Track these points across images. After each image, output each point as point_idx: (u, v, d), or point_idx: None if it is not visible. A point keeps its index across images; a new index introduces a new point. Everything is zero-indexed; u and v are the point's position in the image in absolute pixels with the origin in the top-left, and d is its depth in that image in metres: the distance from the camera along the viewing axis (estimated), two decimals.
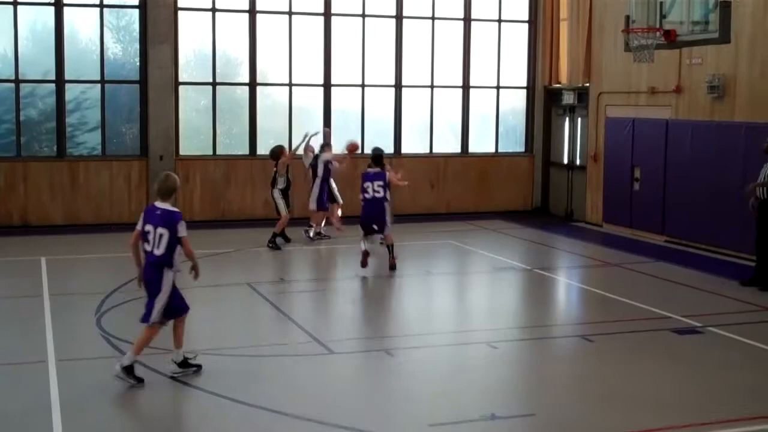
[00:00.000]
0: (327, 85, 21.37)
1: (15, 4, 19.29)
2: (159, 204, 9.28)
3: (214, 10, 20.46)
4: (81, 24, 20.02)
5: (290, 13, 20.95)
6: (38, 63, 19.79)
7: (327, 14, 21.22)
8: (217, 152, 20.76)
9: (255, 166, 20.67)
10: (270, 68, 21.28)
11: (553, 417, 8.40)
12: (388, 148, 21.83)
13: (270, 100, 21.37)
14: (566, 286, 14.92)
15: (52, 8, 19.51)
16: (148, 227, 9.12)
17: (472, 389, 9.27)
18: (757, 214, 13.76)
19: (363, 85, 21.63)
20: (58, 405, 8.41)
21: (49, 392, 8.79)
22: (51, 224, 19.27)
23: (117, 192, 19.92)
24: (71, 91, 19.95)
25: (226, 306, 12.80)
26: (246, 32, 20.73)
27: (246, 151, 20.97)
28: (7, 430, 8.01)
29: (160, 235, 9.05)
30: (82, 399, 8.67)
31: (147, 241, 9.11)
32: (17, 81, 19.47)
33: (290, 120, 21.16)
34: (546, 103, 22.92)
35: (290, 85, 21.13)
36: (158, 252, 9.04)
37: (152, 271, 9.11)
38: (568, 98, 21.98)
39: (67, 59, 19.71)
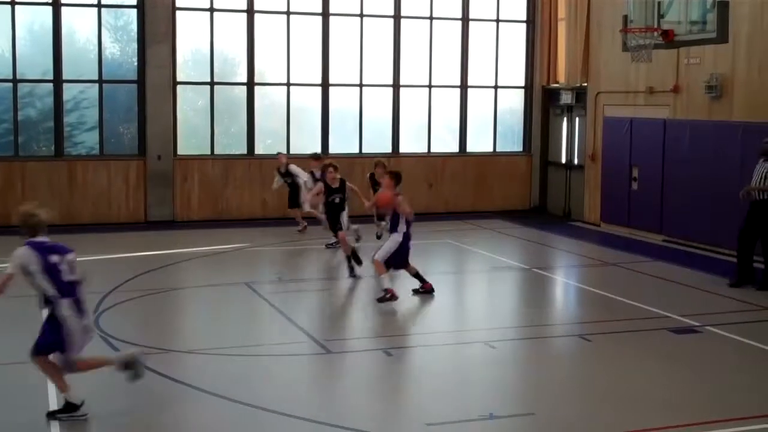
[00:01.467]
0: (325, 85, 21.38)
1: (13, 3, 19.27)
2: None
3: (212, 10, 20.45)
4: (79, 24, 20.01)
5: (288, 13, 20.95)
6: (36, 63, 19.80)
7: (325, 14, 21.22)
8: (215, 152, 20.77)
9: (253, 165, 20.70)
10: (268, 68, 21.27)
11: (551, 416, 8.40)
12: (386, 148, 21.92)
13: (268, 99, 21.37)
14: (564, 286, 14.92)
15: (50, 8, 19.50)
16: None
17: (471, 389, 9.28)
18: (748, 200, 13.73)
19: (361, 85, 21.63)
20: (55, 405, 8.40)
21: (47, 392, 8.78)
22: (49, 224, 19.21)
23: (115, 192, 19.92)
24: (69, 91, 19.95)
25: (225, 306, 12.81)
26: (244, 32, 20.73)
27: (244, 150, 20.96)
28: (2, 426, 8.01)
29: None
30: (78, 398, 8.66)
31: None
32: (15, 81, 19.46)
33: (288, 120, 21.17)
34: (544, 102, 22.93)
35: (288, 84, 21.13)
36: None
37: None
38: (566, 98, 21.98)
39: (65, 59, 19.71)
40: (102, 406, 8.56)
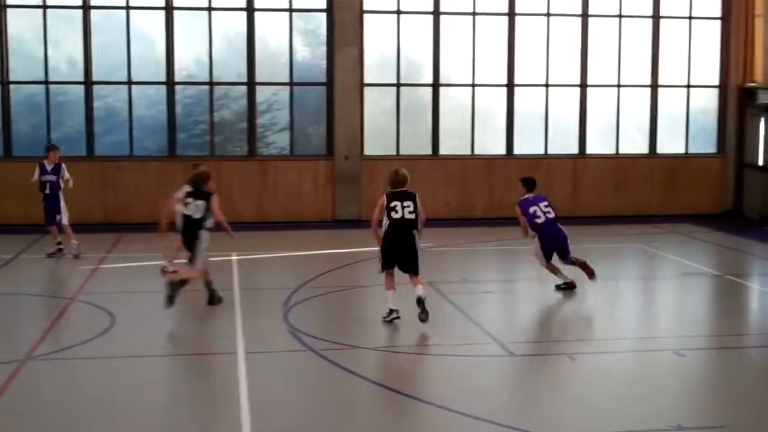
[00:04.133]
0: (510, 85, 21.24)
1: (209, 10, 20.16)
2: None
3: (398, 12, 20.70)
4: (271, 28, 20.68)
5: (474, 14, 20.95)
6: (231, 66, 20.60)
7: (511, 14, 21.07)
8: (401, 152, 21.01)
9: (437, 165, 20.80)
10: (453, 69, 21.31)
11: (743, 430, 8.05)
12: (572, 149, 21.57)
13: (453, 100, 21.42)
14: (759, 294, 14.27)
15: (245, 14, 20.28)
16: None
17: (657, 397, 9.01)
18: None
19: (547, 85, 21.38)
20: (246, 395, 8.71)
21: (238, 383, 9.11)
22: (241, 221, 19.95)
23: (304, 190, 20.48)
24: (262, 93, 20.68)
25: (404, 305, 12.91)
26: (430, 33, 20.86)
27: (429, 151, 21.11)
28: (197, 415, 8.38)
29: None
30: (268, 390, 8.95)
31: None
32: (211, 84, 20.34)
33: (473, 120, 21.17)
34: (740, 102, 21.99)
35: (473, 85, 21.13)
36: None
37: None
38: (764, 97, 21.02)
39: (258, 62, 20.43)
40: (289, 399, 8.82)
